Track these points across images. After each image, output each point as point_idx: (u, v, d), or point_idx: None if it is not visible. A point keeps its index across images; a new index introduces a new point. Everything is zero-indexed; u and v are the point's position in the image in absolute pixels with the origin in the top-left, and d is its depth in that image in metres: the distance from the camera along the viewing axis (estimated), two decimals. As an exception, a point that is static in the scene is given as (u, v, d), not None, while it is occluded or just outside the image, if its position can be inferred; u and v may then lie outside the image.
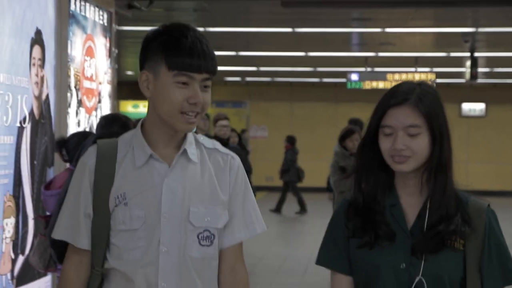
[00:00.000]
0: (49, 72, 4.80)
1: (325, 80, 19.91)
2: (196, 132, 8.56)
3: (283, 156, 16.30)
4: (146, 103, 2.20)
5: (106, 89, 6.12)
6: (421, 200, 2.09)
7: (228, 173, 2.19)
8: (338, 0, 6.83)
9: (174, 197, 2.10)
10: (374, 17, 10.24)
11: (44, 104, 4.73)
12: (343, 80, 15.96)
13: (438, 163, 2.06)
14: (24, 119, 4.44)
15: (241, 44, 13.67)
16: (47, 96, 4.78)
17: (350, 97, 19.66)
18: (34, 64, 4.58)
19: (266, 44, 13.47)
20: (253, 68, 17.79)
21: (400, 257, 2.04)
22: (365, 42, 13.63)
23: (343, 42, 13.33)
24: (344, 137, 7.22)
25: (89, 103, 5.66)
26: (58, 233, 2.18)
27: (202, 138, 2.21)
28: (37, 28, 4.63)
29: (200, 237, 2.13)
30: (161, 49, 2.07)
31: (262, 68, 17.73)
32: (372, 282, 2.08)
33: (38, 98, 4.64)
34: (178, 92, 2.05)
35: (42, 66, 4.68)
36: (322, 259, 2.17)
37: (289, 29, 11.52)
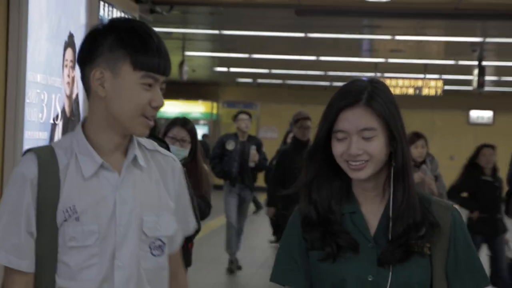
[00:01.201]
0: (79, 73, 5.15)
1: (335, 84, 20.21)
2: (236, 134, 8.57)
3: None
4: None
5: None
6: (382, 206, 1.95)
7: (172, 177, 2.06)
8: (350, 10, 7.15)
9: (127, 207, 1.95)
10: (385, 24, 10.54)
11: (74, 102, 5.08)
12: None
13: (398, 166, 1.92)
14: (57, 116, 4.78)
15: (254, 47, 13.98)
16: (77, 96, 5.13)
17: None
18: (66, 66, 4.93)
19: (278, 48, 13.77)
20: (265, 71, 18.10)
21: (367, 269, 1.90)
22: (375, 48, 13.94)
23: (354, 47, 13.64)
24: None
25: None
26: None
27: (140, 138, 2.04)
28: (70, 32, 4.98)
29: (152, 247, 1.99)
30: (125, 46, 1.90)
31: (274, 71, 18.04)
32: None
33: (69, 97, 4.99)
34: (144, 94, 1.91)
35: (73, 67, 5.03)
36: (277, 276, 2.00)
37: (301, 34, 11.83)
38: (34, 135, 4.44)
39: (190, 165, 4.67)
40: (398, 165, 1.92)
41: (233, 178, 8.80)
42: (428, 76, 15.72)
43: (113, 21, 1.99)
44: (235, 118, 9.01)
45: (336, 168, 1.95)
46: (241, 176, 8.83)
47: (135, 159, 1.98)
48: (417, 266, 1.91)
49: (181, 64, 13.74)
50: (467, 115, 21.43)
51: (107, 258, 1.92)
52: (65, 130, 4.88)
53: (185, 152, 4.69)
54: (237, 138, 8.91)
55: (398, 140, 1.91)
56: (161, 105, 1.94)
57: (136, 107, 1.91)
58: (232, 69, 18.11)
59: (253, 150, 8.86)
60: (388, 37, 11.84)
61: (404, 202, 1.92)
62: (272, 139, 21.85)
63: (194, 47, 14.18)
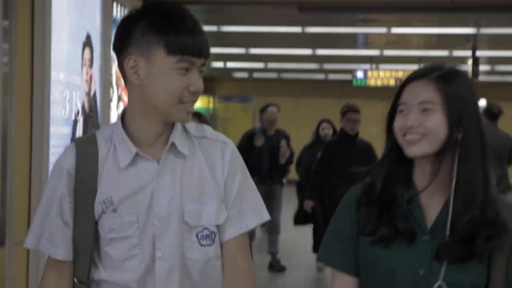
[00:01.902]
0: (96, 71, 5.40)
1: (331, 77, 20.44)
2: (264, 129, 8.05)
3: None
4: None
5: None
6: (443, 197, 1.82)
7: (221, 161, 1.96)
8: (351, 6, 7.40)
9: (166, 197, 1.89)
10: (380, 18, 10.78)
11: (92, 99, 5.32)
12: (348, 77, 16.50)
13: (465, 152, 1.79)
14: (78, 112, 5.02)
15: (251, 42, 14.19)
16: (95, 93, 5.38)
17: (355, 94, 20.20)
18: (85, 64, 5.17)
19: (274, 42, 13.98)
20: (261, 65, 18.32)
21: (420, 262, 1.79)
22: (370, 41, 14.18)
23: (349, 40, 13.87)
24: None
25: (127, 98, 6.25)
26: (31, 243, 1.94)
27: (190, 126, 1.98)
28: (87, 33, 5.21)
29: (199, 236, 1.92)
30: (156, 31, 1.83)
31: (270, 65, 18.26)
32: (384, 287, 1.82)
33: (88, 94, 5.23)
34: (180, 80, 1.84)
35: (91, 66, 5.27)
36: (325, 256, 1.92)
37: (298, 29, 12.05)
38: (58, 130, 4.67)
39: None
40: (464, 150, 1.79)
41: (264, 176, 8.16)
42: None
43: (145, 5, 1.89)
44: (262, 110, 8.42)
45: (400, 150, 1.84)
46: (271, 174, 8.26)
47: (174, 146, 1.91)
48: (473, 271, 1.77)
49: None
50: (461, 105, 21.68)
51: (148, 248, 1.89)
52: (85, 126, 5.12)
53: None
54: (265, 132, 8.30)
55: (465, 123, 1.79)
56: (200, 89, 1.85)
57: (173, 94, 1.83)
58: (229, 64, 18.32)
59: (283, 145, 8.28)
60: (383, 30, 12.09)
61: (469, 191, 1.78)
62: (269, 132, 22.09)
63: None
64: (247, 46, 14.85)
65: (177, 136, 1.93)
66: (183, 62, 1.83)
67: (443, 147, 1.80)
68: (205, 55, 1.88)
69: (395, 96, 1.86)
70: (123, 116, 1.95)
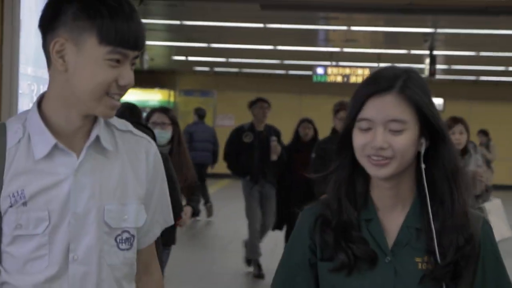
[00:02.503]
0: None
1: (291, 72, 20.65)
2: (252, 124, 7.67)
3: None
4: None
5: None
6: (402, 215, 1.69)
7: (145, 161, 1.82)
8: (312, 4, 7.58)
9: (85, 194, 1.72)
10: (340, 16, 10.99)
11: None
12: (308, 73, 16.71)
13: (447, 170, 1.66)
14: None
15: (213, 37, 14.32)
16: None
17: (316, 90, 20.43)
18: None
19: (236, 37, 14.13)
20: (223, 59, 18.44)
21: (383, 286, 1.66)
22: (330, 38, 14.40)
23: (310, 37, 14.08)
24: None
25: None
26: None
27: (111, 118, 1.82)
28: (55, 27, 5.30)
29: (118, 240, 1.77)
30: (90, 16, 1.67)
31: (231, 60, 18.39)
32: None
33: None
34: (109, 72, 1.68)
35: (57, 60, 5.35)
36: (277, 285, 1.76)
37: (260, 25, 12.21)
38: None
39: (175, 151, 5.07)
40: (442, 166, 1.65)
41: (255, 174, 7.71)
42: (382, 65, 16.24)
43: None
44: (251, 105, 7.92)
45: (358, 166, 1.69)
46: (263, 172, 7.75)
47: (98, 140, 1.75)
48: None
49: (142, 53, 14.02)
50: (418, 103, 22.04)
51: (60, 250, 1.71)
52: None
53: (167, 134, 5.10)
54: (254, 128, 7.85)
55: (441, 137, 1.66)
56: (130, 83, 1.71)
57: (100, 85, 1.68)
58: (190, 58, 18.40)
59: (273, 141, 7.80)
60: (343, 27, 12.30)
61: (453, 215, 1.65)
62: (230, 126, 22.24)
63: (154, 37, 14.46)
64: (209, 41, 14.96)
65: (100, 129, 1.77)
66: (116, 53, 1.68)
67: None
68: (140, 47, 1.72)
69: (354, 110, 1.66)
70: (40, 103, 1.76)
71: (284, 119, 22.43)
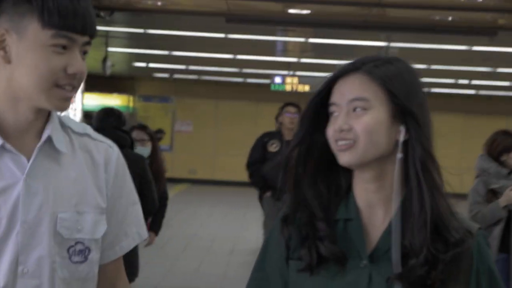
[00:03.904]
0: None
1: (249, 80, 21.06)
2: (280, 132, 6.77)
3: (208, 150, 17.22)
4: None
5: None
6: (388, 216, 1.50)
7: (104, 167, 1.66)
8: (275, 20, 8.00)
9: (36, 200, 1.55)
10: (299, 29, 11.45)
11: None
12: (266, 81, 17.14)
13: (413, 160, 1.46)
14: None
15: (173, 45, 14.63)
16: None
17: (273, 98, 20.88)
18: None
19: (196, 46, 14.47)
20: (182, 67, 18.75)
21: None
22: (289, 49, 14.86)
23: (269, 48, 14.51)
24: (501, 152, 5.08)
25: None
26: None
27: (68, 119, 1.68)
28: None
29: (70, 251, 1.60)
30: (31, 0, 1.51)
31: (191, 67, 18.71)
32: None
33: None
34: (56, 59, 1.51)
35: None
36: (250, 285, 1.61)
37: (221, 35, 12.58)
38: None
39: (152, 161, 5.52)
40: (412, 157, 1.47)
41: (279, 189, 5.78)
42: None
43: None
44: (280, 111, 6.97)
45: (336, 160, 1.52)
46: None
47: (50, 141, 1.59)
48: None
49: (105, 59, 14.31)
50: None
51: (8, 262, 1.54)
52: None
53: (147, 150, 5.57)
54: (281, 136, 6.91)
55: (411, 122, 1.46)
56: (81, 71, 1.54)
57: (45, 75, 1.51)
58: (151, 65, 18.68)
59: None
60: (301, 39, 12.76)
61: (421, 214, 1.45)
62: (188, 132, 22.53)
63: (116, 44, 14.74)
64: (170, 49, 15.27)
65: (54, 129, 1.60)
66: (60, 37, 1.51)
67: (385, 152, 1.48)
68: (89, 31, 1.55)
69: (318, 95, 1.53)
70: None
71: (242, 125, 22.93)
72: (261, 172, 6.58)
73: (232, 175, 19.82)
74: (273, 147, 6.80)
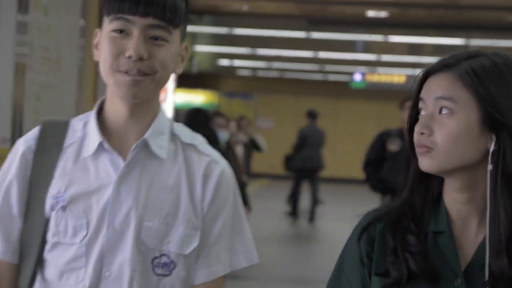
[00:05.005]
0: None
1: (330, 78, 21.38)
2: (401, 130, 5.63)
3: (288, 146, 17.54)
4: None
5: (170, 85, 7.84)
6: (483, 229, 1.37)
7: (202, 182, 1.57)
8: (356, 22, 8.37)
9: (124, 205, 1.53)
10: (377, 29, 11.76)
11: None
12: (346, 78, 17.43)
13: (503, 171, 1.33)
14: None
15: (257, 43, 15.15)
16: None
17: (353, 95, 21.12)
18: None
19: (279, 43, 14.92)
20: (265, 64, 19.28)
21: None
22: (369, 46, 15.20)
23: (349, 46, 14.88)
24: None
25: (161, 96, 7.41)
26: None
27: (181, 128, 1.62)
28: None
29: (155, 263, 1.55)
30: None
31: (274, 64, 19.21)
32: None
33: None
34: (114, 44, 1.49)
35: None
36: None
37: (303, 34, 13.03)
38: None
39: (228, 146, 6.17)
40: (502, 169, 1.34)
41: (397, 193, 4.10)
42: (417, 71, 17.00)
43: None
44: (402, 105, 6.11)
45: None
46: None
47: (147, 146, 1.55)
48: None
49: (190, 57, 15.04)
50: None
51: (94, 263, 1.53)
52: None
53: (227, 135, 6.18)
54: (403, 135, 6.00)
55: (503, 131, 1.34)
56: (137, 53, 1.47)
57: (107, 61, 1.49)
58: (235, 62, 19.29)
59: None
60: (379, 37, 13.09)
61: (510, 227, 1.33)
62: (269, 128, 22.96)
63: (203, 42, 15.39)
64: (253, 46, 15.79)
65: (153, 134, 1.56)
66: (116, 20, 1.49)
67: (472, 161, 1.36)
68: (149, 12, 1.48)
69: (415, 93, 1.42)
70: (102, 103, 1.60)
71: (320, 122, 23.20)
72: (380, 173, 5.90)
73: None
74: (394, 146, 6.00)
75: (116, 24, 1.49)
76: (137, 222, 1.53)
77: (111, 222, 1.53)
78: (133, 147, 1.54)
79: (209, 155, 1.61)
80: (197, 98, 22.60)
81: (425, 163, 1.36)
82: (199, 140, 1.62)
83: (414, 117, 1.41)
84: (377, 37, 13.20)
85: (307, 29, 12.26)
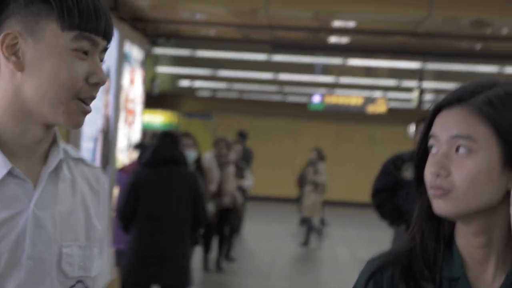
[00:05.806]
0: (111, 97, 6.63)
1: (290, 99, 21.71)
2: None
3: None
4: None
5: (138, 108, 8.02)
6: (500, 266, 1.28)
7: (98, 196, 1.49)
8: (316, 47, 8.68)
9: (44, 233, 1.36)
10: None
11: (107, 121, 6.53)
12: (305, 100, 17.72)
13: None
14: (98, 131, 6.22)
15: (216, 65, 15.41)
16: (109, 115, 6.60)
17: (311, 116, 21.45)
18: (105, 92, 6.38)
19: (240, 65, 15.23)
20: (225, 85, 19.54)
21: None
22: (328, 69, 15.56)
23: (308, 68, 15.22)
24: None
25: (130, 119, 7.53)
26: None
27: (61, 142, 1.44)
28: (107, 66, 6.43)
29: None
30: None
31: (234, 85, 19.48)
32: None
33: (105, 116, 6.44)
34: (78, 66, 1.32)
35: (107, 93, 6.48)
36: None
37: (264, 55, 13.31)
38: (86, 146, 5.87)
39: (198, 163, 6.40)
40: None
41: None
42: (376, 93, 17.40)
43: None
44: (417, 127, 5.32)
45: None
46: None
47: (58, 167, 1.40)
48: None
49: (153, 79, 15.21)
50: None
51: None
52: (103, 143, 6.32)
53: (194, 154, 6.54)
54: None
55: None
56: (103, 80, 1.36)
57: (67, 85, 1.32)
58: (196, 83, 19.49)
59: None
60: (339, 60, 13.44)
61: None
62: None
63: (163, 64, 15.57)
64: (214, 67, 16.06)
65: (61, 153, 1.41)
66: (83, 40, 1.33)
67: (492, 203, 1.26)
68: (110, 36, 1.38)
69: (425, 127, 1.31)
70: None
71: (280, 142, 23.53)
72: (394, 202, 5.23)
73: (270, 190, 20.46)
74: (409, 173, 5.21)
75: (81, 44, 1.32)
76: (56, 250, 1.37)
77: (30, 253, 1.34)
78: (49, 170, 1.37)
79: (95, 166, 1.52)
80: (157, 118, 22.69)
81: (442, 207, 1.24)
82: (80, 152, 1.52)
83: (422, 152, 1.31)
84: (336, 60, 13.54)
85: (269, 51, 12.55)
